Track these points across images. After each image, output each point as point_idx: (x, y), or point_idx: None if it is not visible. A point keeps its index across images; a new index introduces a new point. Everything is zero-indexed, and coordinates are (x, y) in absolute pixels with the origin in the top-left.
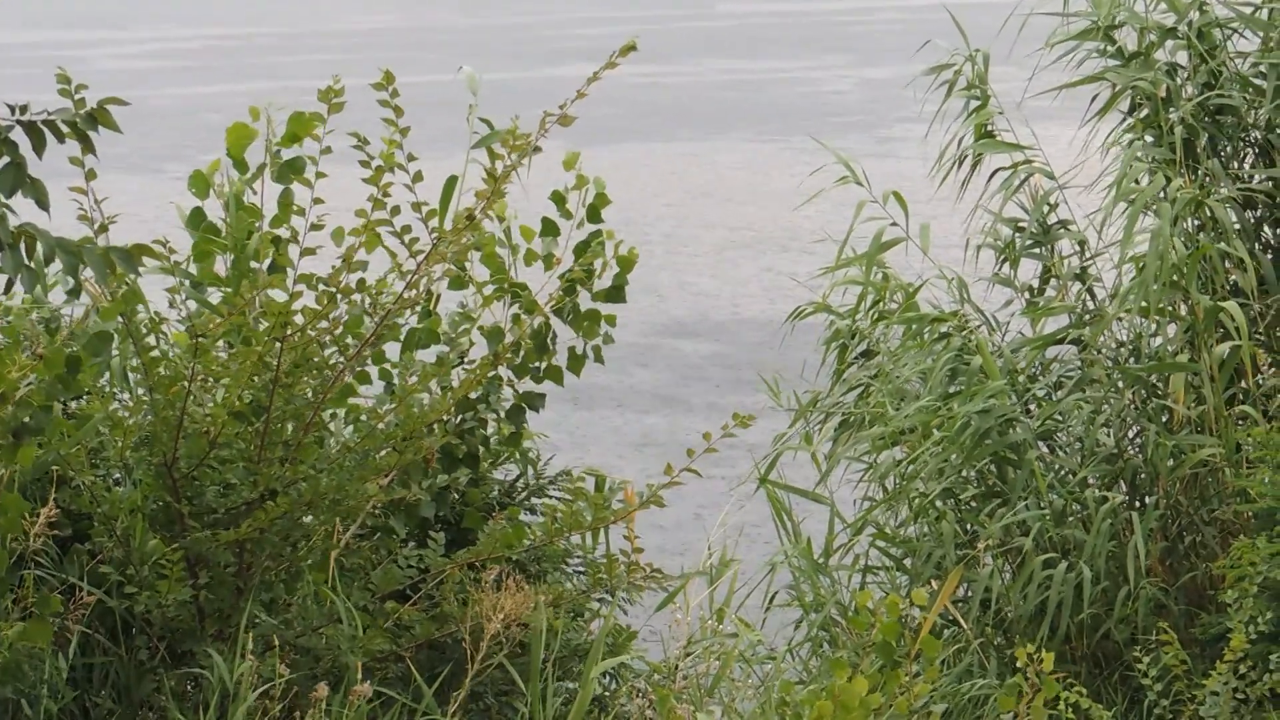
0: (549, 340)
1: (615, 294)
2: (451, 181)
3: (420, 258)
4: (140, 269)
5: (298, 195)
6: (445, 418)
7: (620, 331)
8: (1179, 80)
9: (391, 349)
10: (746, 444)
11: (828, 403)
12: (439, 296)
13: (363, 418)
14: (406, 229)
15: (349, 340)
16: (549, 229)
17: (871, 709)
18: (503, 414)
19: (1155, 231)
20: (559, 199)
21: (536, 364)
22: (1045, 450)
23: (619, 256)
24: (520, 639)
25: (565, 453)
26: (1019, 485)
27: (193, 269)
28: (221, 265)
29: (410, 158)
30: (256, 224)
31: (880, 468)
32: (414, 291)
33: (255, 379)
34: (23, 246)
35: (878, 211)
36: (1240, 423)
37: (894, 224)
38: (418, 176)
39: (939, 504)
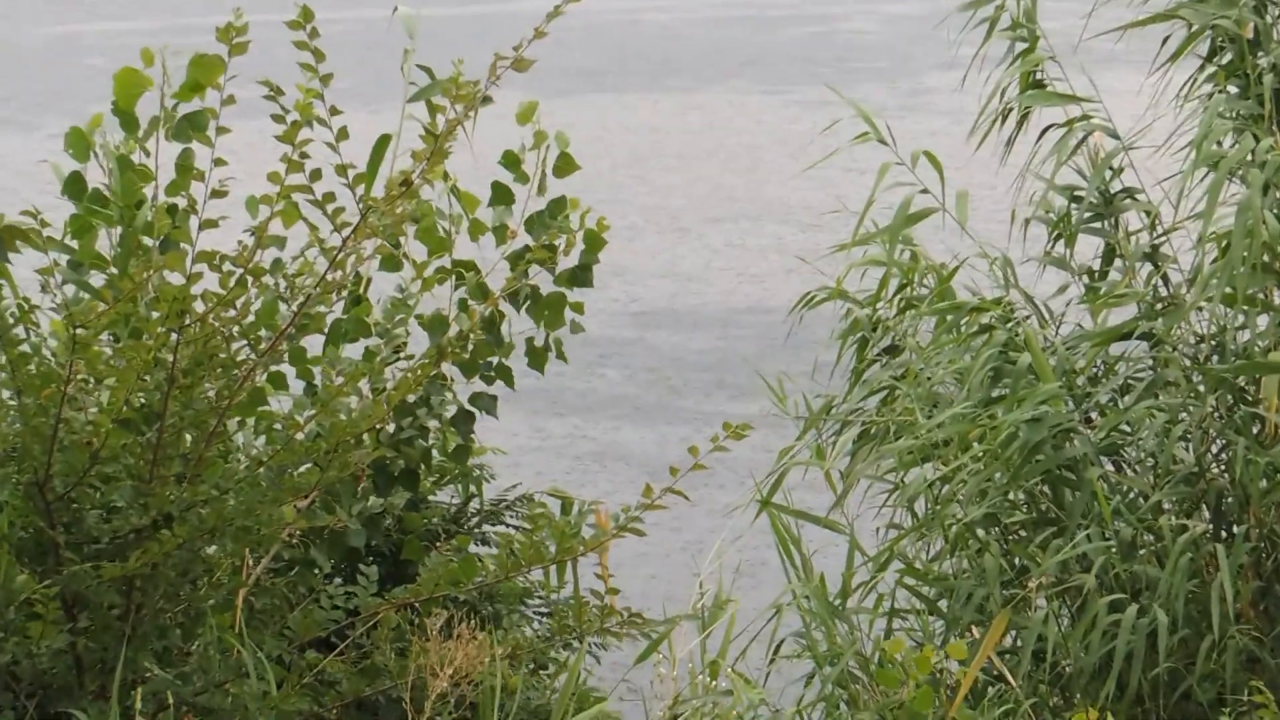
0: (503, 331)
1: (582, 276)
2: (383, 141)
3: (346, 232)
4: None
5: (199, 156)
6: (378, 426)
7: (588, 322)
8: (1269, 18)
9: (314, 344)
10: (744, 460)
11: (844, 409)
12: (369, 280)
13: (277, 427)
14: (330, 197)
15: (261, 333)
16: (501, 195)
17: None
18: (447, 422)
19: (1243, 203)
20: (512, 160)
21: (489, 360)
22: (1110, 468)
23: (587, 231)
24: (470, 699)
25: (523, 470)
26: (1078, 511)
27: (71, 245)
28: (106, 241)
29: (333, 111)
30: (148, 191)
31: (908, 489)
32: (339, 273)
33: (146, 379)
34: None
35: (904, 176)
36: None
37: (924, 191)
38: (342, 134)
39: (981, 533)
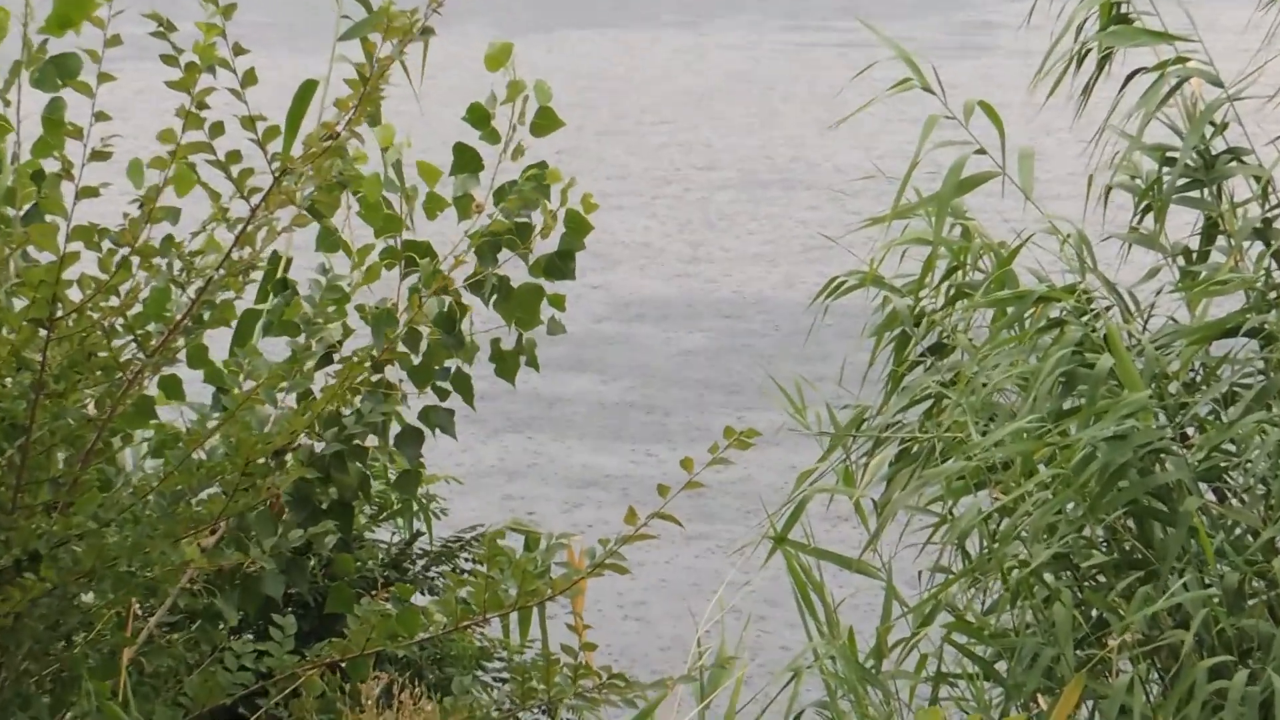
0: (464, 329)
1: (562, 265)
2: (308, 88)
3: (256, 199)
4: None
5: (72, 108)
6: (301, 443)
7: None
8: None
9: (221, 342)
10: (754, 486)
11: (878, 423)
12: (289, 261)
13: (174, 445)
14: (234, 157)
15: (150, 327)
16: (465, 161)
17: None
18: (390, 441)
19: None
20: (480, 116)
21: (445, 366)
22: (1211, 498)
23: (570, 212)
24: None
25: (482, 501)
26: (1171, 551)
27: None
28: None
29: (237, 50)
30: (8, 149)
31: (959, 523)
32: (247, 250)
33: (8, 384)
34: None
35: (956, 133)
36: None
37: (980, 152)
38: (249, 78)
39: (1049, 578)
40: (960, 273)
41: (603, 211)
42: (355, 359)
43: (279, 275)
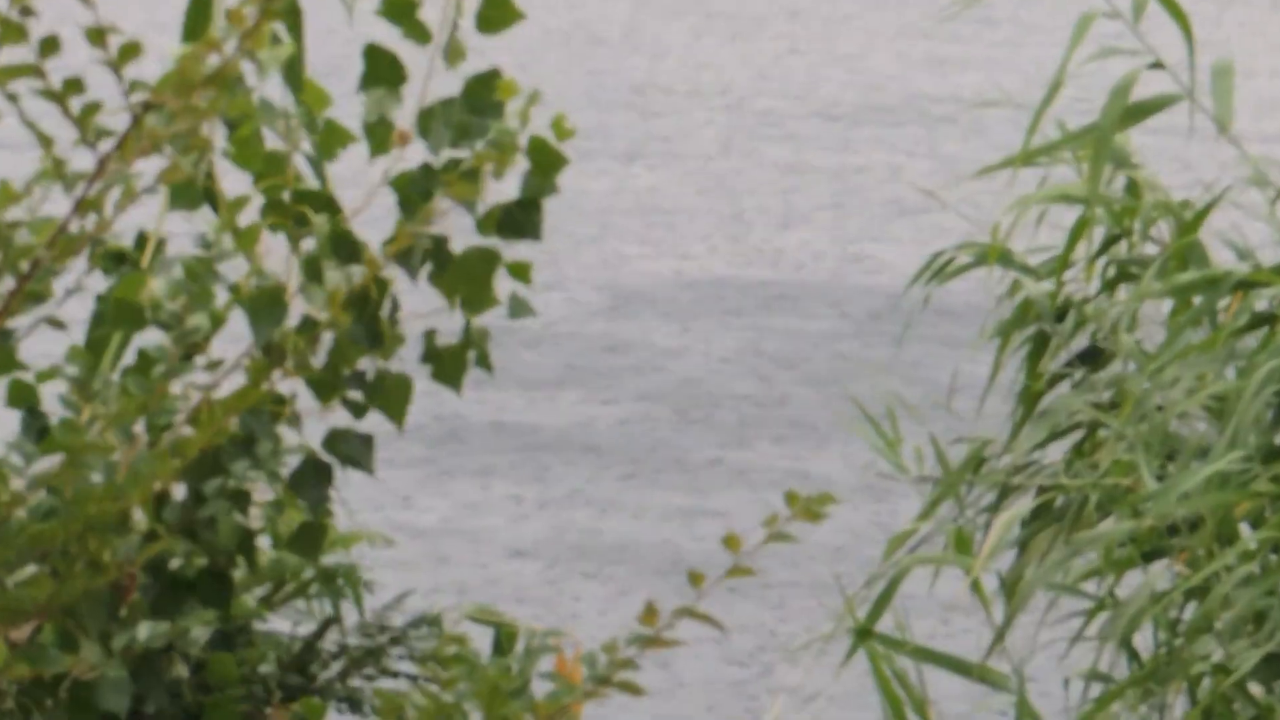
0: (387, 317)
1: (523, 217)
2: (201, 4)
3: (107, 146)
4: None
5: None
6: (158, 493)
7: (543, 308)
8: None
9: (45, 345)
10: (821, 547)
11: (1005, 464)
12: (161, 242)
13: None
14: (74, 87)
15: None
16: (380, 70)
17: None
18: (284, 486)
19: None
20: (401, 5)
21: (358, 371)
22: None
23: (534, 140)
24: None
25: (423, 571)
26: None
27: None
28: None
29: None
30: None
31: (1125, 610)
32: (93, 218)
33: None
34: None
35: (1120, 37)
36: None
37: (1156, 65)
38: None
39: (1257, 691)
40: (1125, 245)
41: (593, 156)
42: (247, 364)
43: (142, 254)
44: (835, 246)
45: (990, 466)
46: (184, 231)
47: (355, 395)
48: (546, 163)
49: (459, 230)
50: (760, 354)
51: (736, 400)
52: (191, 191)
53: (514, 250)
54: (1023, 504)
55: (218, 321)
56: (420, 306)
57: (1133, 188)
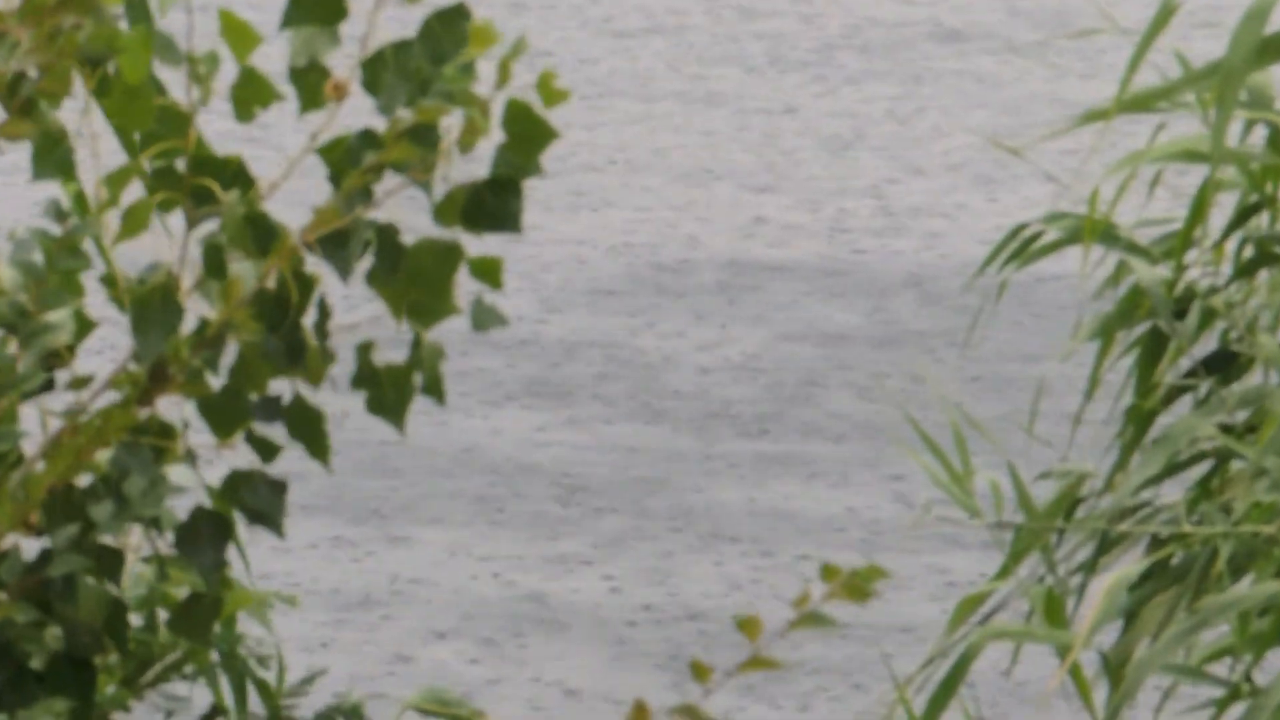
0: (312, 326)
1: (496, 203)
2: None
3: None
4: None
5: None
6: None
7: (519, 303)
8: None
9: None
10: (864, 615)
11: (1107, 506)
12: None
13: None
14: None
15: None
16: (310, 3)
17: None
18: (170, 535)
19: None
20: None
21: (270, 396)
22: None
23: (512, 103)
24: None
25: (340, 648)
26: None
27: None
28: None
29: None
30: None
31: (1266, 699)
32: None
33: None
34: None
35: None
36: None
37: None
38: None
39: None
40: (1265, 217)
41: (595, 108)
42: (120, 385)
43: None
44: (882, 216)
45: (1088, 509)
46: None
47: (266, 426)
48: (529, 132)
49: (412, 214)
50: (789, 356)
51: (760, 418)
52: (59, 154)
53: (481, 245)
54: (1132, 560)
55: (86, 325)
56: (354, 314)
57: (1276, 142)
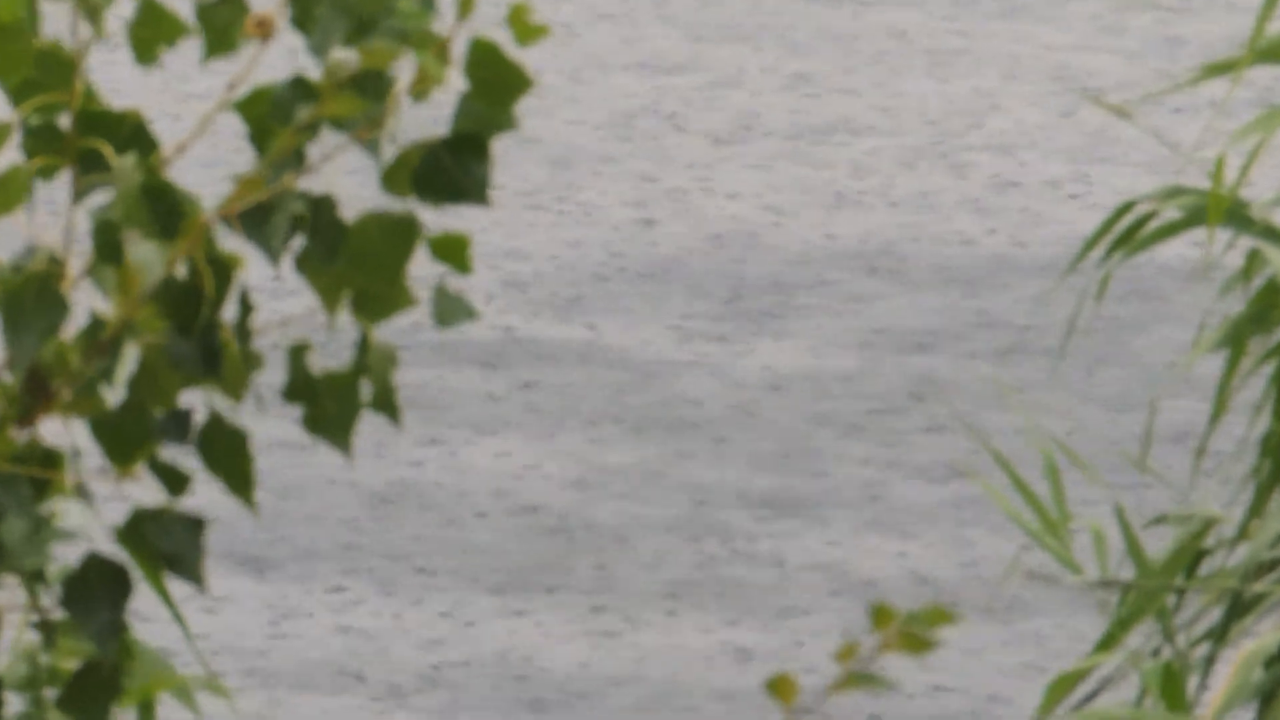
0: (233, 325)
1: (457, 167)
2: None
3: None
4: None
5: None
6: None
7: (506, 303)
8: None
9: None
10: (929, 688)
11: (1238, 561)
12: None
13: None
14: None
15: None
16: None
17: None
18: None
19: None
20: None
21: (179, 410)
22: None
23: (478, 44)
24: None
25: None
26: None
27: None
28: None
29: None
30: None
31: None
32: None
33: None
34: None
35: None
36: None
37: None
38: None
39: None
40: None
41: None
42: None
43: None
44: (952, 192)
45: (1215, 563)
46: None
47: (172, 447)
48: (497, 78)
49: (356, 182)
50: (839, 370)
51: (802, 453)
52: None
53: (442, 219)
54: (1269, 627)
55: None
56: (286, 308)
57: None
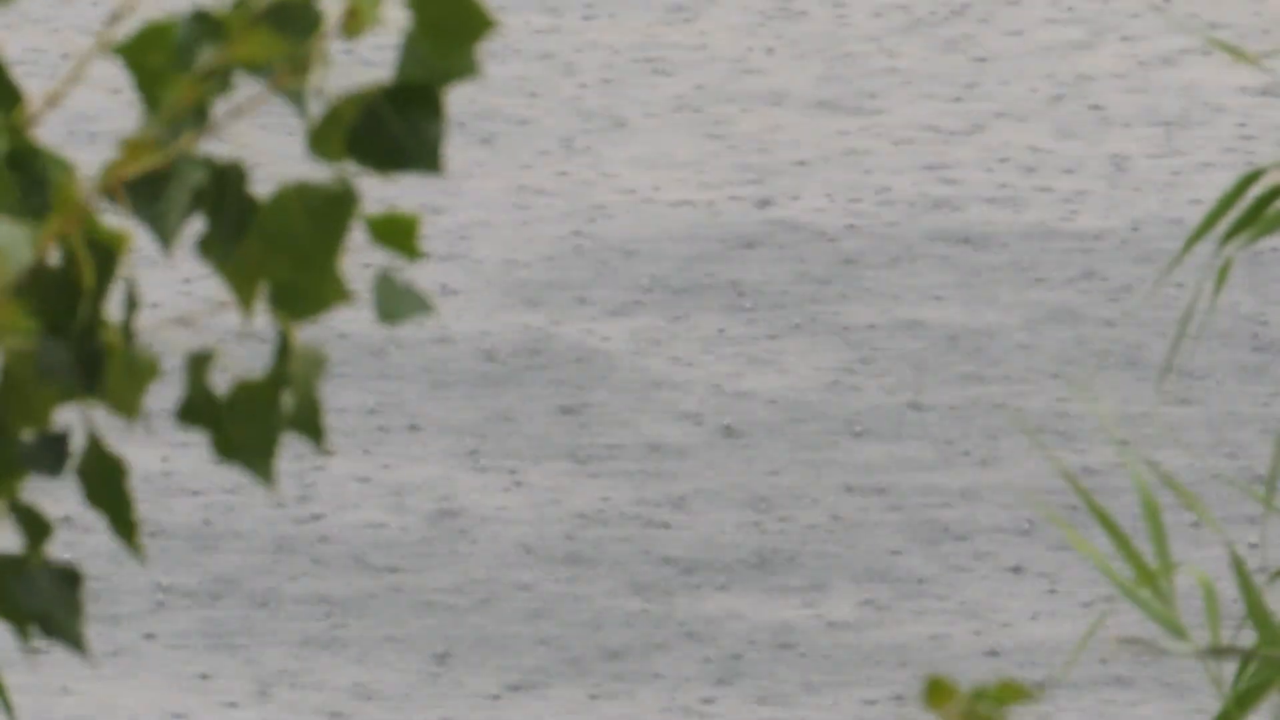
0: (119, 324)
1: (404, 126)
2: None
3: None
4: None
5: None
6: None
7: (504, 329)
8: None
9: None
10: None
11: None
12: None
13: None
14: None
15: None
16: None
17: None
18: None
19: None
20: None
21: (55, 436)
22: None
23: None
24: None
25: None
26: None
27: None
28: None
29: None
30: None
31: None
32: None
33: None
34: None
35: None
36: None
37: None
38: None
39: None
40: None
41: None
42: None
43: None
44: (1046, 153)
45: None
46: None
47: (39, 482)
48: (448, 19)
49: (277, 153)
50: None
51: (870, 501)
52: None
53: (386, 192)
54: None
55: None
56: (186, 304)
57: None
